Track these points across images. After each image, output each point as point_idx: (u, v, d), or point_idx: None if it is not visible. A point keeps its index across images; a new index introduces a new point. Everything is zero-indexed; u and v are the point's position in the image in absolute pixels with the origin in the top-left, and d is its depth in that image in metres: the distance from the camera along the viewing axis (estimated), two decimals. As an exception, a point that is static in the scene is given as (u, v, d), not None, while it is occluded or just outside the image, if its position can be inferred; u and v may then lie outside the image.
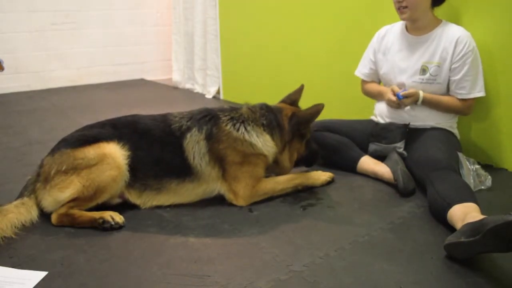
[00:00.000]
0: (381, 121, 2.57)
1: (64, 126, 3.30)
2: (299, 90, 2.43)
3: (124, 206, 2.11)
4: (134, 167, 2.08)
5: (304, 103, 3.58)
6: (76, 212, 1.96)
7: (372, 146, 2.54)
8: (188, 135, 2.14)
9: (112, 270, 1.65)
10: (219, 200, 2.21)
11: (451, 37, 2.35)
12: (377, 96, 2.65)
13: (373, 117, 2.68)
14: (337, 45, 3.34)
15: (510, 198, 2.24)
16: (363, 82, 2.76)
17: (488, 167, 2.48)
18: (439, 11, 2.45)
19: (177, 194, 2.15)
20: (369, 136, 2.57)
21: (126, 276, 1.61)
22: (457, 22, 2.49)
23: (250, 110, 2.26)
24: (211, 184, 2.17)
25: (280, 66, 3.93)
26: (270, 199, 2.22)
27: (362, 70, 2.73)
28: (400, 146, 2.43)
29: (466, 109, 2.42)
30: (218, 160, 2.14)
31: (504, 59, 2.45)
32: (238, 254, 1.74)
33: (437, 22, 2.43)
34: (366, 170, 2.47)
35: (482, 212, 1.77)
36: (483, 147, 2.62)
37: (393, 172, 2.31)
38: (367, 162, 2.48)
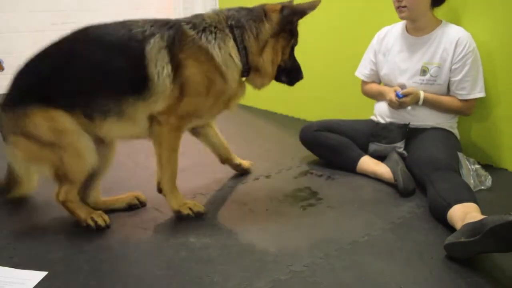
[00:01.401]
0: (381, 121, 2.57)
1: (64, 126, 3.29)
2: None
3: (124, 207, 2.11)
4: (93, 93, 1.87)
5: (304, 103, 3.60)
6: (70, 205, 1.95)
7: (372, 146, 2.54)
8: (152, 41, 1.88)
9: (112, 270, 1.65)
10: (218, 200, 2.21)
11: (452, 38, 2.35)
12: (377, 96, 2.65)
13: (373, 117, 2.67)
14: (337, 45, 3.33)
15: (510, 198, 2.23)
16: (363, 83, 2.76)
17: (488, 167, 2.48)
18: (439, 11, 2.45)
19: (135, 120, 1.91)
20: (369, 136, 2.56)
21: (126, 276, 1.62)
22: (457, 22, 2.49)
23: (215, 13, 2.00)
24: (159, 103, 1.88)
25: (280, 66, 3.91)
26: (270, 199, 2.22)
27: (362, 71, 2.73)
28: (400, 146, 2.43)
29: (467, 110, 2.43)
30: (179, 74, 1.89)
31: (504, 59, 2.45)
32: (238, 254, 1.74)
33: (437, 23, 2.43)
34: (366, 170, 2.47)
35: (482, 212, 1.77)
36: (483, 147, 2.62)
37: (393, 172, 2.31)
38: (367, 162, 2.48)
